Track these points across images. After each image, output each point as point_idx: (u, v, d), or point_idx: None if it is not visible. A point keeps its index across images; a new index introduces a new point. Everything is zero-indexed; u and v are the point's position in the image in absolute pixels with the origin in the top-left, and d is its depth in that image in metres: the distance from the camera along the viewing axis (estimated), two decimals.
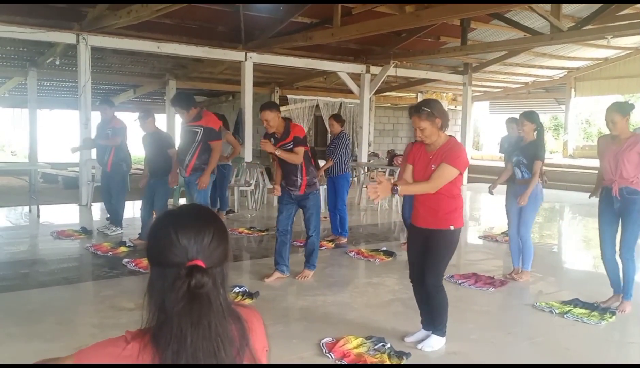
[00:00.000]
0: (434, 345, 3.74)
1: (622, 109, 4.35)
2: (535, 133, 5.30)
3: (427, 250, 3.66)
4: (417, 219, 3.75)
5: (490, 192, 5.81)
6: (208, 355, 1.19)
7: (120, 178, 7.37)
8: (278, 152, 5.01)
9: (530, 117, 5.32)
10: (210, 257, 1.25)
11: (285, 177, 5.24)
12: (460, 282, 5.41)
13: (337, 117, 7.52)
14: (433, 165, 3.57)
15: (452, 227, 3.58)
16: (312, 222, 5.39)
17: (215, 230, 1.28)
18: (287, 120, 5.22)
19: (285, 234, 5.34)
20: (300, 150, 5.05)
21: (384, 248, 6.65)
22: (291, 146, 5.04)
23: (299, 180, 5.14)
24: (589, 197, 5.00)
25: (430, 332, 3.82)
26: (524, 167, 5.33)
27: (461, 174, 3.54)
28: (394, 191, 3.37)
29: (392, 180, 3.53)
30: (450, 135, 3.68)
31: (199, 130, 5.78)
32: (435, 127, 3.53)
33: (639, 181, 4.35)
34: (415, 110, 3.58)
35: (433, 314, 3.80)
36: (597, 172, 4.80)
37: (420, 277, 3.76)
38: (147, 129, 6.54)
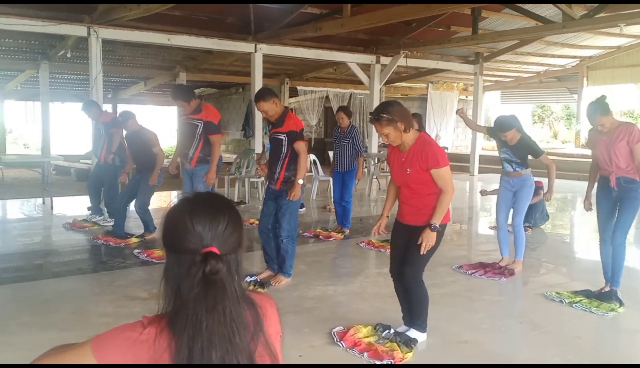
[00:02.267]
0: None
1: (603, 110, 4.36)
2: (517, 131, 5.21)
3: (410, 245, 3.56)
4: (402, 216, 3.71)
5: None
6: (223, 340, 1.21)
7: (112, 171, 7.37)
8: (301, 181, 4.82)
9: (507, 125, 5.16)
10: (225, 243, 1.26)
11: (269, 166, 5.02)
12: (470, 272, 5.41)
13: (346, 110, 7.37)
14: (408, 169, 3.50)
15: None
16: (284, 223, 4.88)
17: (230, 217, 1.29)
18: (286, 108, 4.99)
19: (267, 232, 5.03)
20: (300, 145, 4.81)
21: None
22: (283, 136, 4.82)
23: (277, 174, 4.88)
24: (585, 207, 4.95)
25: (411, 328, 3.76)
26: (515, 164, 5.30)
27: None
28: (434, 229, 3.41)
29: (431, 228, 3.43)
30: (419, 131, 3.57)
31: (200, 124, 5.71)
32: (399, 130, 3.42)
33: (634, 169, 4.39)
34: (375, 117, 3.45)
35: (412, 309, 3.74)
36: None
37: (400, 273, 3.71)
38: (130, 129, 6.58)
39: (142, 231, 6.66)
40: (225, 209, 1.31)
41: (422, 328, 3.72)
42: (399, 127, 3.40)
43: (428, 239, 3.42)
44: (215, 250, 1.24)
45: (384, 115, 3.39)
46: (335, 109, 16.27)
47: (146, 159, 6.45)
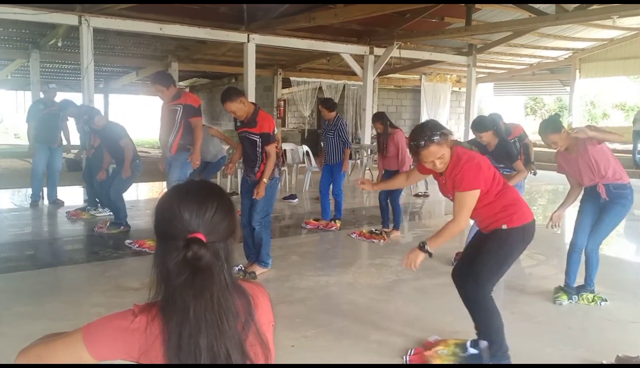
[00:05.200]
0: None
1: (555, 128, 4.21)
2: (494, 135, 5.15)
3: (480, 252, 3.18)
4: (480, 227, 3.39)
5: None
6: (211, 327, 1.21)
7: (100, 162, 7.20)
8: (266, 181, 4.76)
9: (482, 126, 5.12)
10: (213, 231, 1.26)
11: (244, 160, 5.00)
12: None
13: (325, 103, 7.18)
14: (450, 196, 3.17)
15: (504, 227, 3.10)
16: (257, 209, 4.84)
17: (219, 205, 1.29)
18: (256, 106, 4.85)
19: (249, 226, 4.97)
20: (271, 148, 4.76)
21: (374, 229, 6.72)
22: (256, 137, 4.74)
23: (257, 167, 4.86)
24: (552, 220, 4.59)
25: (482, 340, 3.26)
26: (501, 169, 5.14)
27: (489, 183, 3.04)
28: (424, 250, 2.96)
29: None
30: (455, 143, 3.09)
31: (179, 108, 5.57)
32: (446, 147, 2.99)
33: (620, 175, 4.22)
34: (424, 142, 2.94)
35: (479, 327, 3.29)
36: None
37: (460, 274, 3.34)
38: (97, 127, 6.59)
39: (133, 221, 6.65)
40: (215, 197, 1.30)
41: (500, 355, 3.16)
42: (444, 146, 2.99)
43: (411, 256, 3.00)
44: (201, 236, 1.23)
45: (435, 137, 2.93)
46: None
47: (120, 152, 6.47)
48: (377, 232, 6.60)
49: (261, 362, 1.30)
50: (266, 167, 4.79)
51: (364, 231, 6.70)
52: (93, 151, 7.25)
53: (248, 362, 1.26)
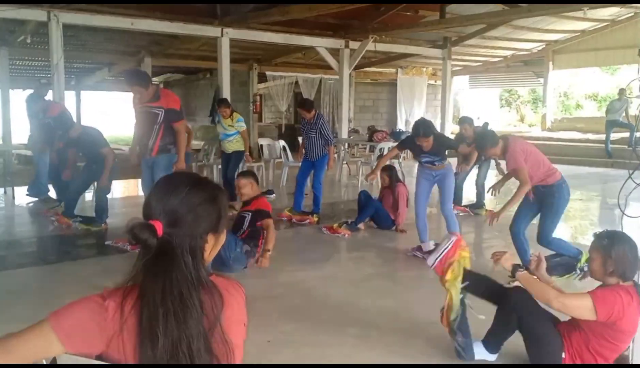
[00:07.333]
0: None
1: (495, 142, 4.56)
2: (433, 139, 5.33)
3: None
4: None
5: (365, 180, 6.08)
6: (170, 314, 1.22)
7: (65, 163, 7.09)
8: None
9: (430, 131, 5.24)
10: (177, 221, 1.26)
11: None
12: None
13: (304, 105, 7.22)
14: None
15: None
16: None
17: (190, 196, 1.29)
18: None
19: None
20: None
21: (347, 220, 6.69)
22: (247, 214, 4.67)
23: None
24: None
25: None
26: (437, 162, 5.40)
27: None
28: (516, 269, 3.04)
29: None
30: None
31: (160, 112, 5.45)
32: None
33: (546, 177, 4.54)
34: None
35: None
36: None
37: None
38: (73, 136, 6.44)
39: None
40: (184, 188, 1.30)
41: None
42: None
43: (507, 256, 3.18)
44: (157, 223, 1.23)
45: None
46: (304, 94, 16.24)
47: (100, 155, 6.34)
48: (342, 224, 6.57)
49: (223, 360, 1.27)
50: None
51: (333, 226, 6.61)
52: (69, 173, 7.01)
53: (215, 361, 1.24)
